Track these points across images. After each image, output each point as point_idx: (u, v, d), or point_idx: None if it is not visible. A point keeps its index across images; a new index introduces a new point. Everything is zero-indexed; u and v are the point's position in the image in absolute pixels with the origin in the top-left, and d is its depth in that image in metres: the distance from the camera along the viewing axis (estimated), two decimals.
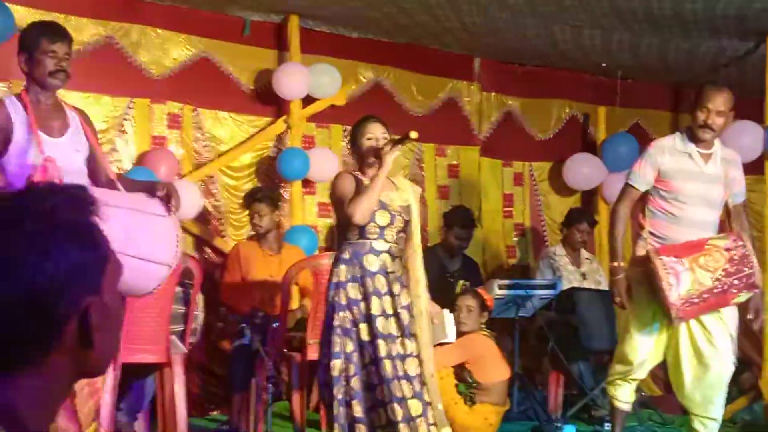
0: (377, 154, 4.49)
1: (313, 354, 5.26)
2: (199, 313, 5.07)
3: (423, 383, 4.43)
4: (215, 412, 6.64)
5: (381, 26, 7.31)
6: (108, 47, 6.50)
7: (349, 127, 5.15)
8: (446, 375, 5.69)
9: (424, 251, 4.82)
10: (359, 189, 4.49)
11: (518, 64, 8.42)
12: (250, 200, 6.45)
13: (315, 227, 7.27)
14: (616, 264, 5.03)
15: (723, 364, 4.91)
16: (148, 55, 6.72)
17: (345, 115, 7.15)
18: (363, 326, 4.42)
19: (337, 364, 4.37)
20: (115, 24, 6.53)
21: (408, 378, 4.39)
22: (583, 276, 7.40)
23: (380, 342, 4.37)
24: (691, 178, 4.91)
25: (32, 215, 1.25)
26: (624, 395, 5.17)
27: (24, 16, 6.12)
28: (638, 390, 6.01)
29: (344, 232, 4.57)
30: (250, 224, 6.58)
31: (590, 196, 8.59)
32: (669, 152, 4.94)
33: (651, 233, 4.96)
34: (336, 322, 4.41)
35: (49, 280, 1.23)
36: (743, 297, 4.82)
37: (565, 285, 7.01)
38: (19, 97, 4.03)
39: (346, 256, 4.49)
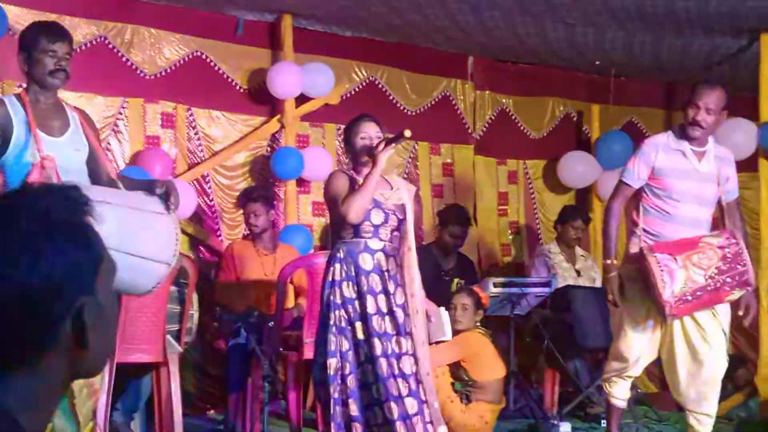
0: (371, 153, 4.49)
1: (308, 353, 5.26)
2: (194, 313, 5.07)
3: (419, 381, 4.43)
4: (211, 412, 6.64)
5: (373, 25, 7.31)
6: (101, 47, 6.49)
7: (343, 126, 5.15)
8: (442, 373, 5.69)
9: (418, 250, 4.82)
10: (353, 188, 4.49)
11: (512, 62, 8.43)
12: (245, 200, 6.44)
13: (310, 226, 7.27)
14: (609, 262, 5.04)
15: (716, 360, 4.92)
16: (141, 55, 6.71)
17: (339, 114, 7.15)
18: (358, 325, 4.42)
19: (332, 363, 4.37)
20: (108, 23, 6.53)
21: (404, 376, 4.39)
22: (578, 273, 7.41)
23: (375, 340, 4.38)
24: (684, 175, 4.91)
25: (26, 215, 1.25)
26: (620, 392, 5.18)
27: (17, 15, 6.11)
28: (634, 387, 6.02)
29: (338, 231, 4.57)
30: (245, 224, 6.57)
31: (585, 194, 8.60)
32: (663, 150, 4.94)
33: (644, 230, 4.96)
34: (331, 321, 4.41)
35: (44, 281, 1.23)
36: (737, 294, 4.83)
37: (560, 282, 7.02)
38: (19, 96, 4.04)
39: (340, 254, 4.49)
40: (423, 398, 4.43)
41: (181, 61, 6.90)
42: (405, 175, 7.63)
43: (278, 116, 7.13)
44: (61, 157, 3.94)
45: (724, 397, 7.10)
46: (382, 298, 4.45)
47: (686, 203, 4.92)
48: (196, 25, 6.94)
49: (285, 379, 5.83)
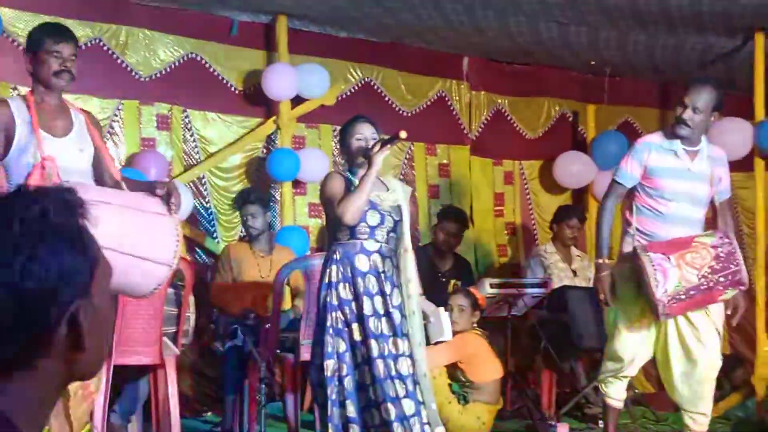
0: (367, 154, 4.48)
1: (305, 355, 5.25)
2: (191, 315, 5.06)
3: (416, 383, 4.43)
4: (208, 414, 6.63)
5: (367, 26, 7.31)
6: (96, 49, 6.48)
7: (338, 127, 5.15)
8: (439, 374, 5.69)
9: (415, 251, 4.81)
10: (349, 189, 4.48)
11: (507, 62, 8.44)
12: (242, 202, 6.42)
13: (306, 228, 7.26)
14: (601, 261, 5.04)
15: (710, 359, 4.93)
16: (136, 56, 6.71)
17: (334, 115, 7.15)
18: (355, 326, 4.41)
19: (329, 365, 4.37)
20: (103, 25, 6.52)
21: (401, 378, 4.39)
22: (574, 273, 7.41)
23: (372, 342, 4.37)
24: (676, 175, 4.92)
25: (21, 218, 1.24)
26: (616, 392, 5.18)
27: (11, 18, 6.11)
28: (631, 387, 6.03)
29: (335, 233, 4.57)
30: (242, 226, 6.56)
31: (581, 194, 8.60)
32: (655, 149, 4.94)
33: (638, 230, 4.97)
34: (328, 323, 4.41)
35: (38, 284, 1.22)
36: (730, 294, 4.84)
37: (556, 283, 7.02)
38: (24, 97, 4.05)
39: (336, 256, 4.49)
40: (420, 399, 4.42)
41: (176, 63, 6.89)
42: (401, 176, 7.63)
43: (274, 117, 7.13)
44: (64, 158, 3.94)
45: (721, 397, 7.12)
46: (378, 299, 4.45)
47: (679, 203, 4.92)
48: (190, 26, 6.94)
49: (282, 381, 5.82)
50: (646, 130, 8.10)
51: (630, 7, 6.55)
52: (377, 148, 4.44)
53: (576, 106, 8.80)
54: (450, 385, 5.82)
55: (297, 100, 7.13)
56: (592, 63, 8.19)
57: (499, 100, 8.49)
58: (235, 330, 5.79)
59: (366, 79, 7.75)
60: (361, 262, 4.46)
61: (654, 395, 7.42)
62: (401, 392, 4.37)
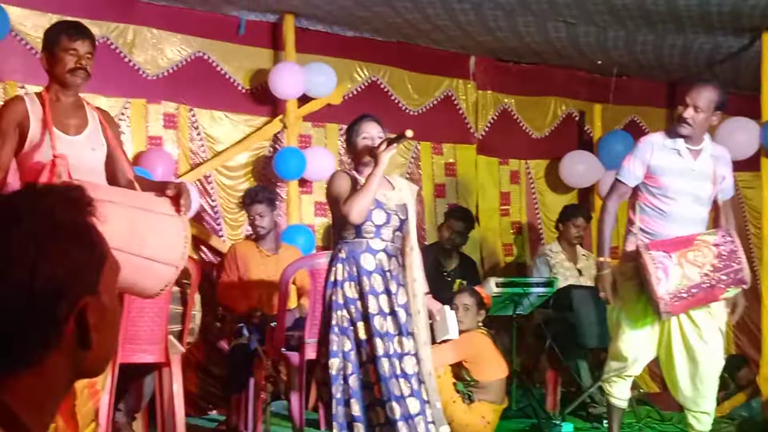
0: (373, 153, 4.48)
1: (310, 353, 5.26)
2: (196, 313, 5.06)
3: (421, 382, 4.43)
4: (213, 412, 6.64)
5: (374, 25, 7.31)
6: (103, 47, 6.48)
7: (345, 126, 5.14)
8: (444, 373, 5.69)
9: (421, 250, 4.82)
10: (355, 188, 4.49)
11: (514, 62, 8.43)
12: (250, 202, 6.41)
13: (312, 226, 7.27)
14: (602, 259, 5.05)
15: (713, 358, 4.94)
16: (143, 55, 6.72)
17: (341, 114, 7.16)
18: (360, 325, 4.41)
19: (335, 363, 4.37)
20: (111, 24, 6.53)
21: (406, 376, 4.39)
22: (580, 272, 7.40)
23: (377, 340, 4.37)
24: (679, 174, 4.92)
25: (29, 216, 1.25)
26: (620, 392, 5.18)
27: (19, 16, 6.13)
28: (636, 387, 6.03)
29: (340, 231, 4.57)
30: (250, 226, 6.56)
31: (587, 194, 8.59)
32: (658, 148, 4.95)
33: (641, 229, 4.98)
34: (333, 321, 4.41)
35: (47, 281, 1.23)
36: (732, 292, 4.84)
37: (562, 282, 7.01)
38: (39, 94, 4.04)
39: (342, 255, 4.49)
40: (425, 398, 4.42)
41: (183, 62, 6.91)
42: (407, 175, 7.64)
43: (280, 116, 7.14)
44: (75, 156, 3.93)
45: (726, 396, 7.12)
46: (384, 298, 4.45)
47: (682, 201, 4.92)
48: (198, 25, 6.95)
49: (287, 379, 5.82)
50: (652, 129, 8.05)
51: (638, 7, 6.55)
52: (383, 147, 4.44)
53: (582, 106, 8.80)
54: (455, 384, 5.82)
55: (304, 99, 7.14)
56: (599, 63, 8.18)
57: (506, 100, 8.49)
58: (240, 328, 5.80)
59: (372, 78, 7.75)
60: (367, 261, 4.46)
61: (659, 395, 7.41)
62: (406, 391, 4.37)
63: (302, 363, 5.55)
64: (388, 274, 4.47)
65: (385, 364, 4.35)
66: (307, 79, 6.96)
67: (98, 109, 4.26)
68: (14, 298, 1.22)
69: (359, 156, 4.60)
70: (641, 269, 4.77)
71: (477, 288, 6.18)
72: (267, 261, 6.27)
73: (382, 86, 7.80)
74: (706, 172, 4.95)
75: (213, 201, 6.99)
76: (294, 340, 5.70)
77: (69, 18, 6.09)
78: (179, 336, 4.92)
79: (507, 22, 7.08)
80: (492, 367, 5.86)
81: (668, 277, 4.68)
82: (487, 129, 8.40)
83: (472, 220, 7.54)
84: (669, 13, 6.64)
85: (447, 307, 4.91)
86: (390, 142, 4.46)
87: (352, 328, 4.42)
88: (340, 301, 4.43)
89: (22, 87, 6.04)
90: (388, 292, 4.45)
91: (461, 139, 8.27)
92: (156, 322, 4.74)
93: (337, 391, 4.36)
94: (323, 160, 7.09)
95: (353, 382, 4.38)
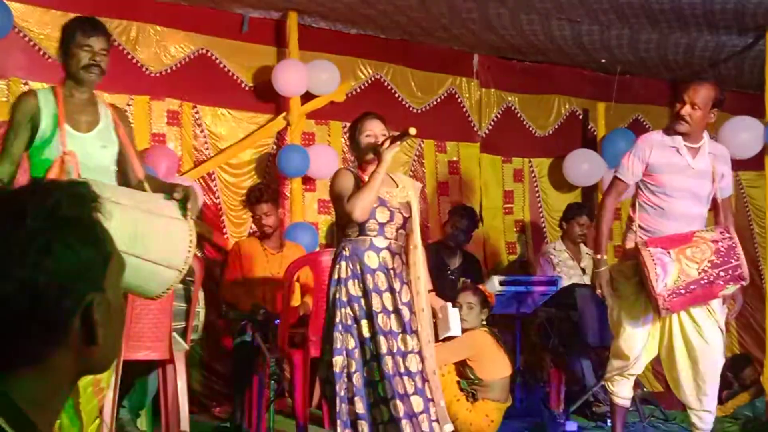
0: (376, 150, 4.48)
1: (314, 351, 5.26)
2: (200, 310, 5.06)
3: (425, 380, 4.43)
4: (217, 409, 6.64)
5: (378, 23, 7.31)
6: None
7: (348, 124, 5.14)
8: (448, 372, 5.68)
9: (424, 248, 4.81)
10: (359, 186, 4.48)
11: (517, 60, 8.43)
12: (255, 201, 6.40)
13: (315, 224, 7.26)
14: (599, 256, 5.06)
15: (714, 357, 4.94)
16: (146, 52, 6.72)
17: (344, 112, 7.15)
18: (364, 323, 4.41)
19: (338, 361, 4.37)
20: (114, 21, 6.52)
21: (409, 374, 4.39)
22: (583, 271, 7.39)
23: (381, 338, 4.37)
24: (678, 171, 4.93)
25: (34, 212, 1.24)
26: (622, 391, 5.18)
27: (23, 13, 6.13)
28: (640, 386, 6.02)
29: (344, 229, 4.56)
30: (256, 225, 6.55)
31: (590, 192, 8.59)
32: (657, 146, 4.97)
33: (640, 226, 4.99)
34: (337, 319, 4.41)
35: (52, 278, 1.23)
36: (731, 289, 4.84)
37: (565, 280, 7.01)
38: (53, 90, 4.03)
39: (346, 252, 4.48)
40: (429, 396, 4.42)
41: (187, 59, 6.90)
42: (411, 173, 7.64)
43: (284, 114, 7.13)
44: (84, 154, 3.92)
45: (730, 396, 7.12)
46: (387, 296, 4.44)
47: (681, 199, 4.93)
48: (201, 22, 6.94)
49: (291, 376, 5.82)
50: (656, 128, 7.98)
51: (642, 6, 6.54)
52: (387, 144, 4.44)
53: (586, 104, 8.79)
54: (459, 382, 5.81)
55: (307, 97, 7.14)
56: (603, 61, 8.17)
57: (509, 98, 8.49)
58: (244, 326, 5.80)
59: (376, 75, 7.75)
60: (371, 259, 4.45)
61: (662, 394, 7.40)
62: (410, 389, 4.37)
63: (306, 360, 5.55)
64: (391, 271, 4.47)
65: (388, 362, 4.35)
66: (310, 76, 6.96)
67: (112, 106, 4.25)
68: (19, 294, 1.21)
69: (362, 154, 4.60)
70: (640, 266, 4.78)
71: (480, 286, 6.17)
72: (271, 259, 6.27)
73: (385, 84, 7.79)
74: (705, 170, 4.96)
75: (216, 198, 6.99)
76: (298, 338, 5.70)
77: (72, 14, 6.14)
78: (183, 333, 4.92)
79: (511, 20, 7.07)
80: (496, 365, 5.85)
81: (666, 273, 4.69)
82: (490, 127, 8.39)
83: (477, 219, 7.54)
84: (673, 11, 6.63)
85: (449, 305, 4.90)
86: (393, 139, 4.46)
87: (355, 325, 4.42)
88: (344, 298, 4.42)
89: (26, 83, 6.04)
90: (391, 289, 4.45)
91: (465, 137, 8.26)
92: (160, 320, 4.74)
93: (340, 389, 4.36)
94: (327, 157, 7.08)
95: (357, 379, 4.38)
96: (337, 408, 4.36)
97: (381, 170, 4.41)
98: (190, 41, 6.92)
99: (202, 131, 6.97)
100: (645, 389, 7.12)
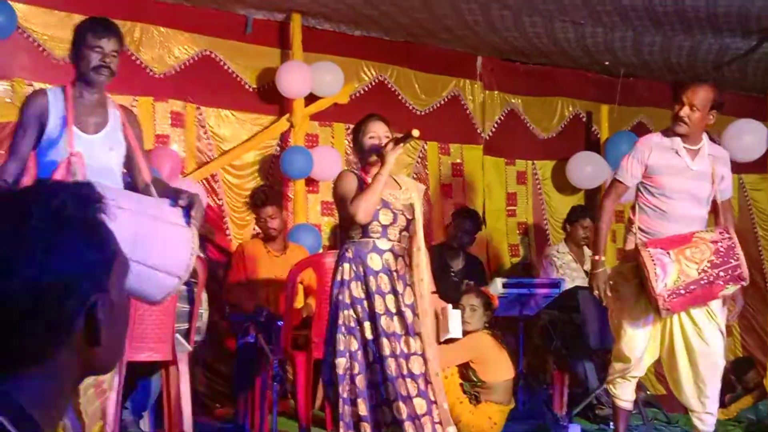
0: (380, 152, 4.48)
1: (317, 352, 5.26)
2: (203, 312, 5.06)
3: (428, 382, 4.42)
4: (220, 411, 6.64)
5: (382, 25, 7.31)
6: None
7: (352, 126, 5.14)
8: (451, 374, 5.68)
9: (427, 250, 4.81)
10: (362, 188, 4.48)
11: (521, 62, 8.43)
12: (261, 204, 6.38)
13: (318, 226, 7.27)
14: (597, 258, 5.06)
15: (714, 359, 4.95)
16: (150, 53, 6.73)
17: (348, 114, 7.16)
18: (367, 325, 4.41)
19: (341, 363, 4.37)
20: (118, 22, 6.50)
21: (412, 376, 4.38)
22: (587, 273, 7.38)
23: (384, 340, 4.37)
24: (677, 173, 4.94)
25: (38, 213, 1.24)
26: (625, 393, 5.17)
27: (27, 14, 6.14)
28: (643, 389, 6.00)
29: (347, 231, 4.56)
30: (260, 228, 6.54)
31: (594, 195, 8.58)
32: (656, 148, 4.97)
33: (640, 228, 4.99)
34: (340, 321, 4.40)
35: (56, 278, 1.22)
36: (731, 289, 4.84)
37: (569, 283, 7.00)
38: (63, 89, 4.00)
39: (349, 254, 4.48)
40: (432, 399, 4.42)
41: (191, 60, 6.91)
42: (414, 175, 7.64)
43: (287, 115, 7.14)
44: (91, 156, 3.90)
45: (733, 399, 7.11)
46: (390, 298, 4.44)
47: (680, 201, 4.94)
48: (205, 24, 6.95)
49: (294, 378, 5.82)
50: (660, 130, 8.08)
51: (645, 8, 6.54)
52: (390, 146, 4.44)
53: (590, 107, 8.79)
54: (462, 384, 5.81)
55: (311, 98, 7.14)
56: (607, 63, 8.17)
57: (513, 100, 8.49)
58: (247, 327, 5.80)
59: (380, 77, 7.75)
60: (374, 261, 4.45)
61: (665, 397, 7.39)
62: (413, 391, 4.36)
63: (309, 362, 5.55)
64: (394, 274, 4.47)
65: (391, 364, 4.34)
66: (314, 78, 6.96)
67: (122, 107, 4.22)
68: (23, 295, 1.21)
69: (366, 155, 4.60)
70: (640, 267, 4.78)
71: (483, 288, 6.17)
72: (274, 261, 6.27)
73: (389, 86, 7.79)
74: (704, 172, 4.97)
75: (220, 200, 7.00)
76: (301, 339, 5.70)
77: (75, 15, 6.14)
78: (186, 334, 4.92)
79: (514, 22, 7.08)
80: (499, 367, 5.85)
81: (666, 273, 4.70)
82: (494, 129, 8.39)
83: (480, 221, 7.54)
84: (676, 14, 6.63)
85: (450, 307, 4.90)
86: (397, 141, 4.46)
87: (358, 327, 4.42)
88: (347, 300, 4.42)
89: (30, 84, 6.04)
90: (394, 292, 4.45)
91: (468, 139, 8.26)
92: (163, 321, 4.74)
93: (344, 391, 4.36)
94: (330, 159, 7.08)
95: (360, 381, 4.38)
96: (340, 410, 4.36)
97: (384, 172, 4.41)
98: (194, 42, 6.92)
99: (205, 132, 6.98)
100: (648, 392, 7.12)
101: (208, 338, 5.92)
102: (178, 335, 4.87)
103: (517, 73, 8.47)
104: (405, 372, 4.37)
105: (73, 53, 4.01)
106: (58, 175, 3.78)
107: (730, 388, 7.28)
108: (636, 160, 4.99)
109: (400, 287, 4.47)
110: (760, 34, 6.99)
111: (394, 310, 4.43)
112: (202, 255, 6.37)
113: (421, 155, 7.95)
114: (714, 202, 5.05)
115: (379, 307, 4.40)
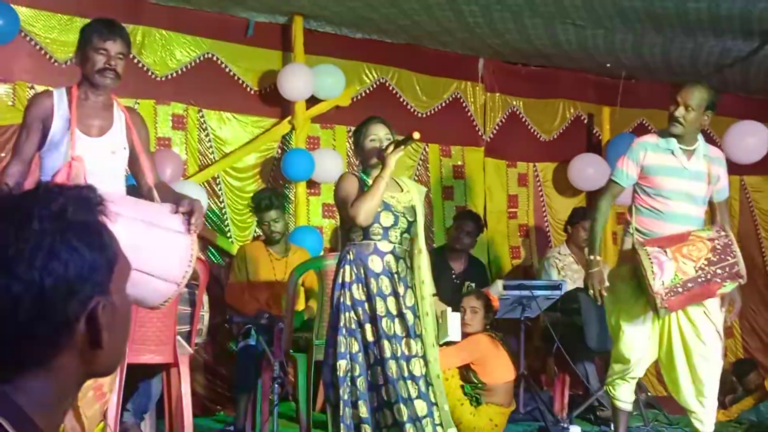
0: (381, 155, 4.49)
1: (318, 355, 5.26)
2: (204, 314, 5.06)
3: (428, 384, 4.43)
4: (221, 413, 6.65)
5: (383, 27, 7.32)
6: None
7: (353, 128, 5.15)
8: (452, 376, 5.69)
9: (429, 252, 4.81)
10: (363, 190, 4.48)
11: (522, 64, 8.43)
12: (264, 208, 6.37)
13: (320, 228, 7.27)
14: (593, 257, 5.06)
15: (712, 359, 4.95)
16: (152, 56, 6.74)
17: (349, 116, 7.16)
18: (368, 327, 4.41)
19: (342, 365, 4.37)
20: None
21: (413, 378, 4.39)
22: None
23: (385, 342, 4.37)
24: (673, 174, 4.95)
25: (40, 216, 1.25)
26: (624, 395, 5.18)
27: (29, 17, 6.14)
28: (644, 390, 6.00)
29: (348, 233, 4.57)
30: (263, 231, 6.53)
31: (595, 197, 8.56)
32: (651, 149, 4.98)
33: (637, 229, 5.00)
34: (341, 323, 4.41)
35: (58, 281, 1.23)
36: (728, 287, 4.84)
37: (570, 285, 7.00)
38: (69, 91, 3.97)
39: (350, 257, 4.48)
40: (433, 401, 4.42)
41: (192, 63, 6.92)
42: (415, 177, 7.64)
43: (289, 118, 7.15)
44: (92, 159, 3.87)
45: (734, 400, 7.11)
46: (391, 300, 4.44)
47: (677, 201, 4.95)
48: (206, 26, 6.96)
49: (295, 380, 5.83)
50: None
51: (646, 10, 6.54)
52: (391, 149, 4.44)
53: (591, 109, 8.79)
54: (462, 386, 5.82)
55: (312, 101, 7.15)
56: (608, 65, 8.18)
57: (514, 102, 8.49)
58: (248, 329, 5.80)
59: (381, 79, 7.76)
60: (375, 263, 4.46)
61: (666, 398, 7.39)
62: (414, 393, 4.37)
63: (310, 364, 5.55)
64: (395, 276, 4.47)
65: (392, 366, 4.35)
66: (315, 80, 6.97)
67: (128, 109, 4.18)
68: (25, 297, 1.22)
69: (367, 158, 4.60)
70: (637, 266, 4.78)
71: (485, 290, 6.17)
72: (276, 263, 6.27)
73: (390, 88, 7.80)
74: (700, 172, 4.98)
75: (221, 202, 7.00)
76: (302, 342, 5.71)
77: (77, 18, 6.17)
78: (187, 337, 4.92)
79: (515, 24, 7.08)
80: (499, 369, 5.85)
81: (663, 271, 4.70)
82: (495, 131, 8.40)
83: (481, 223, 7.54)
84: (677, 16, 6.63)
85: (449, 309, 4.90)
86: (397, 144, 4.46)
87: (359, 329, 4.42)
88: (348, 302, 4.42)
89: (32, 88, 6.05)
90: (395, 294, 4.45)
91: (469, 141, 8.27)
92: (164, 323, 4.74)
93: (344, 393, 4.36)
94: (331, 161, 7.09)
95: (361, 383, 4.38)
96: (341, 412, 4.36)
97: (385, 175, 4.42)
98: (196, 45, 6.93)
99: (207, 135, 6.98)
100: (649, 393, 7.12)
101: (210, 341, 5.94)
102: (179, 338, 4.87)
103: (519, 75, 8.47)
104: (406, 374, 4.37)
105: (78, 55, 3.98)
106: (60, 178, 3.77)
107: (731, 390, 7.29)
108: (631, 160, 5.00)
109: (401, 289, 4.47)
110: (762, 36, 6.99)
111: (395, 312, 4.43)
112: (203, 257, 6.37)
113: (422, 157, 7.96)
114: (711, 203, 5.06)
115: (380, 309, 4.40)
